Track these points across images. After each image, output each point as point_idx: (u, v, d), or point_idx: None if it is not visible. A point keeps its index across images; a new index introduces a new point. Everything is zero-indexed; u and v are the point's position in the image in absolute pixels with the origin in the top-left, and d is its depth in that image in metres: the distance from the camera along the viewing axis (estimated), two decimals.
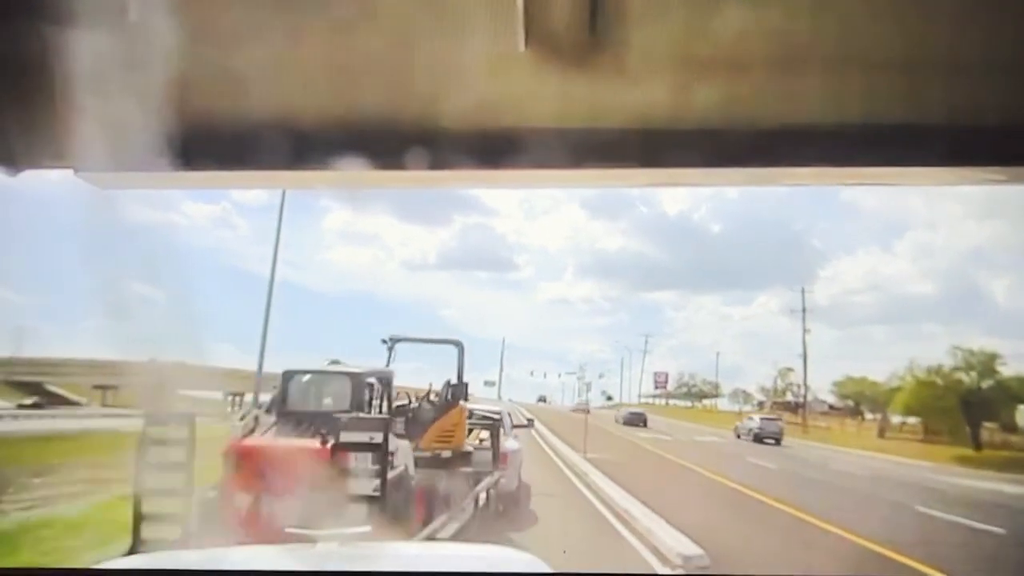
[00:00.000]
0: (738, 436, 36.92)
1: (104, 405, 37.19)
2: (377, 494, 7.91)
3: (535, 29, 1.16)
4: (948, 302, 57.03)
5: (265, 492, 8.03)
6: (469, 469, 11.42)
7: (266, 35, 1.24)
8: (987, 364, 36.66)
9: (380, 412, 10.10)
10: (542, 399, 59.34)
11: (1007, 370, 36.45)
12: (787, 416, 47.27)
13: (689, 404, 60.02)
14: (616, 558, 11.87)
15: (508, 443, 13.71)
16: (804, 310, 47.53)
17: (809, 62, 1.21)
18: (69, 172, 1.30)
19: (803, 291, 47.88)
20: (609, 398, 61.47)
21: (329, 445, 8.32)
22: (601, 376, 64.82)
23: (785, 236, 70.43)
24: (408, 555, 4.17)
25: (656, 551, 11.90)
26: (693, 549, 11.49)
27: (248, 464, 8.40)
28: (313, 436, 8.75)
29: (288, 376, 10.17)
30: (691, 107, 1.24)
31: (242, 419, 9.56)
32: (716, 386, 59.15)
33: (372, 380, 10.59)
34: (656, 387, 60.40)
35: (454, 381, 12.01)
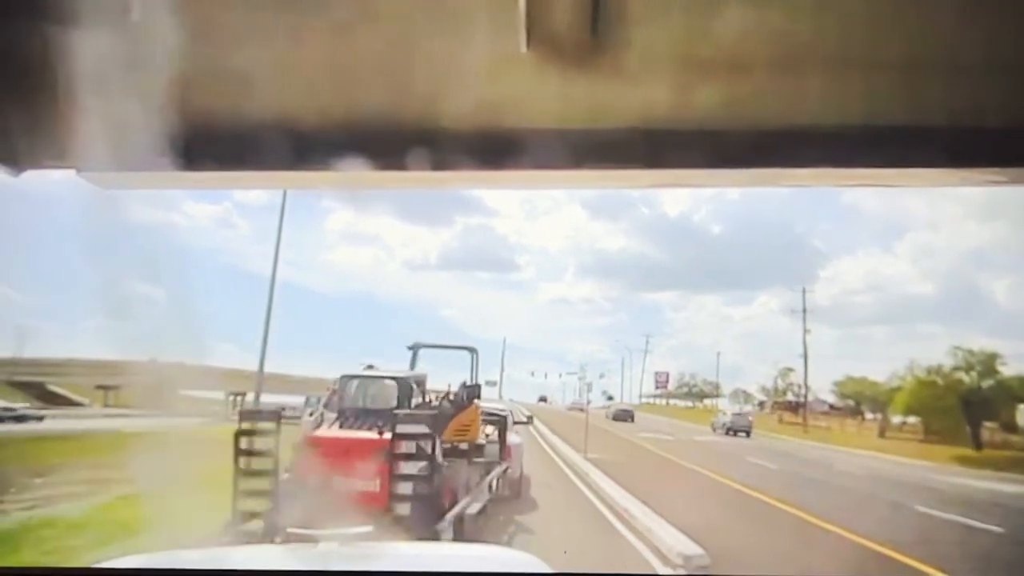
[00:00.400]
0: (714, 430, 39.94)
1: (106, 405, 37.23)
2: (425, 474, 9.65)
3: (537, 30, 1.16)
4: (948, 302, 57.02)
5: (334, 473, 9.64)
6: (482, 459, 12.80)
7: (268, 36, 1.24)
8: (987, 364, 36.67)
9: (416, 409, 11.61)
10: (543, 399, 59.36)
11: (1007, 370, 36.48)
12: (788, 416, 47.46)
13: (690, 404, 60.01)
14: (616, 557, 11.88)
15: (511, 438, 15.31)
16: (805, 310, 47.56)
17: (810, 63, 1.21)
18: (71, 172, 1.30)
19: (804, 291, 47.91)
20: (610, 398, 61.43)
21: (388, 435, 9.93)
22: (602, 376, 64.81)
23: (786, 236, 70.45)
24: (408, 555, 4.17)
25: (656, 551, 11.92)
26: (693, 548, 11.50)
27: (320, 451, 9.96)
28: (369, 429, 10.42)
29: (344, 380, 11.74)
30: (692, 108, 1.24)
31: (311, 415, 11.59)
32: (717, 386, 59.16)
33: (412, 382, 12.09)
34: (657, 387, 60.45)
35: (469, 383, 13.49)
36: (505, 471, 13.91)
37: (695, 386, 60.87)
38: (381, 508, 9.13)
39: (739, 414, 42.00)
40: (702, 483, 21.26)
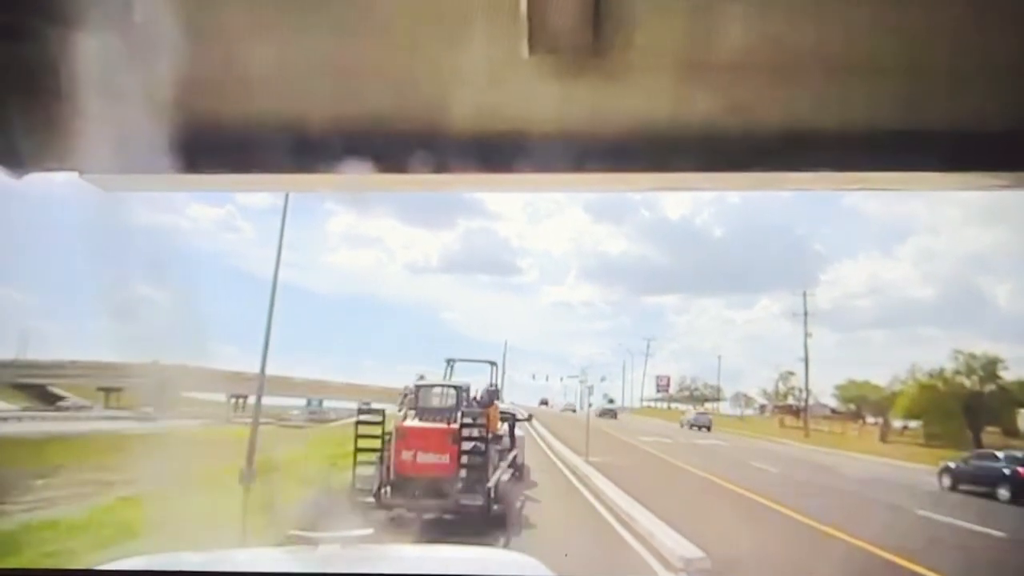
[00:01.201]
0: (682, 426, 46.22)
1: (108, 407, 37.26)
2: (479, 451, 14.09)
3: (538, 34, 1.16)
4: (950, 306, 56.94)
5: (417, 450, 13.90)
6: (499, 446, 16.55)
7: (271, 38, 1.24)
8: (989, 368, 36.69)
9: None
10: (544, 402, 59.18)
11: (1009, 374, 36.52)
12: (789, 420, 47.44)
13: (691, 407, 59.95)
14: (615, 557, 11.88)
15: (517, 431, 19.31)
16: (806, 314, 47.49)
17: (811, 67, 1.21)
18: (74, 174, 1.30)
19: (805, 295, 47.83)
20: (611, 401, 61.45)
21: (454, 425, 14.25)
22: (603, 379, 64.91)
23: (787, 240, 70.37)
24: (410, 557, 4.17)
25: (657, 553, 11.91)
26: (694, 552, 11.49)
27: (408, 436, 14.20)
28: (439, 421, 14.61)
29: (418, 387, 16.00)
30: (693, 112, 1.24)
31: (400, 411, 15.62)
32: (718, 389, 59.10)
33: (464, 390, 16.25)
34: (658, 390, 60.35)
35: (491, 388, 17.89)
36: (514, 456, 17.92)
37: (696, 389, 60.78)
38: (450, 475, 13.60)
39: (701, 413, 50.53)
40: (704, 486, 21.24)
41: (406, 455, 13.76)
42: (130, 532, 10.44)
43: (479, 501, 13.27)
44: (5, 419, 28.99)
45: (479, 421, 14.42)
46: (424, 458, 13.73)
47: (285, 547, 4.21)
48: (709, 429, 44.49)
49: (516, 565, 3.77)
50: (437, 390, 16.00)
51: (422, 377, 16.67)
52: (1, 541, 11.15)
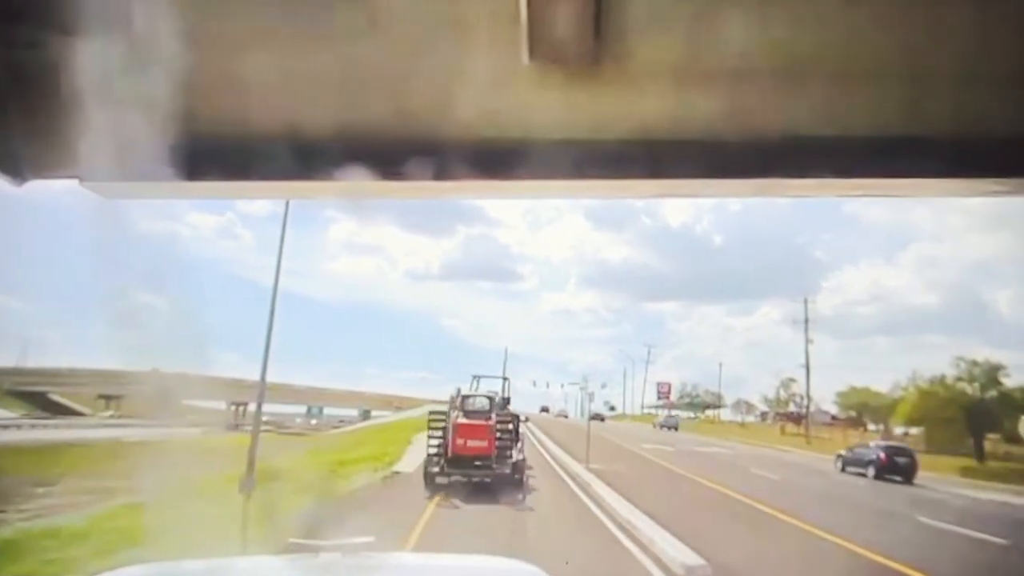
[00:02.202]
0: (654, 426, 53.41)
1: (108, 415, 37.24)
2: (508, 439, 20.79)
3: (539, 41, 1.16)
4: (951, 313, 57.09)
5: (467, 438, 19.94)
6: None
7: (272, 45, 1.24)
8: (990, 375, 36.67)
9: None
10: (544, 409, 59.29)
11: (1010, 381, 36.48)
12: (790, 427, 47.43)
13: (692, 414, 59.95)
14: (615, 563, 11.87)
15: (521, 428, 23.87)
16: (807, 321, 47.67)
17: (813, 73, 1.21)
18: (75, 182, 1.30)
19: (806, 302, 47.98)
20: (612, 408, 61.54)
21: (491, 421, 20.64)
22: (604, 386, 64.86)
23: (788, 247, 70.61)
24: (411, 566, 4.16)
25: (658, 561, 11.88)
26: (695, 559, 11.46)
27: (461, 429, 20.25)
28: (479, 419, 20.71)
29: (464, 396, 22.59)
30: (694, 118, 1.24)
31: (452, 410, 21.67)
32: (719, 396, 59.14)
33: (495, 397, 22.94)
34: (659, 397, 60.42)
35: (504, 396, 24.57)
36: (520, 445, 22.58)
37: (697, 396, 60.84)
38: (489, 453, 19.90)
39: (669, 416, 57.60)
40: (703, 494, 21.26)
41: (459, 441, 20.18)
42: (131, 540, 10.43)
43: (507, 470, 20.11)
44: (5, 427, 28.97)
45: (506, 419, 21.70)
46: (471, 443, 20.14)
47: (286, 556, 4.19)
48: (676, 429, 52.99)
49: (519, 573, 3.75)
50: (477, 398, 22.74)
51: (459, 390, 23.48)
52: (2, 549, 11.13)
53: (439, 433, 20.66)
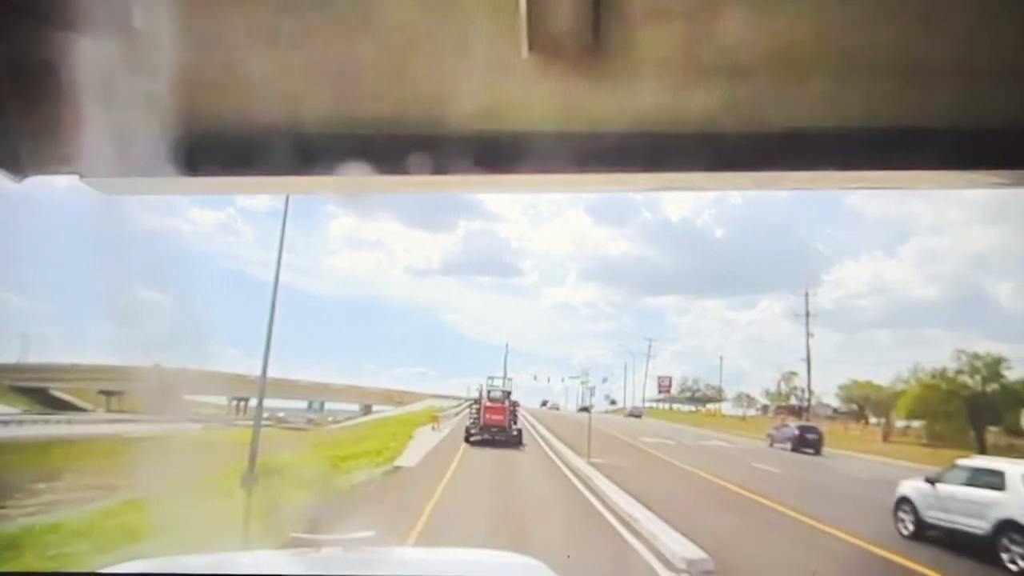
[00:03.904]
0: (625, 416, 56.20)
1: (109, 411, 37.29)
2: (514, 414, 33.46)
3: (538, 34, 1.16)
4: (952, 306, 56.81)
5: (492, 414, 32.21)
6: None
7: (270, 41, 1.24)
8: (992, 368, 36.61)
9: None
10: (545, 403, 59.39)
11: (1012, 374, 36.40)
12: (791, 420, 47.41)
13: (693, 408, 59.94)
14: (616, 557, 11.89)
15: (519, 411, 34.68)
16: (808, 314, 47.48)
17: (812, 65, 1.21)
18: (75, 178, 1.30)
19: (807, 295, 47.83)
20: (612, 402, 61.57)
21: (506, 405, 32.94)
22: (605, 380, 64.81)
23: (788, 240, 70.34)
24: (412, 560, 4.17)
25: (660, 555, 11.90)
26: (697, 553, 11.48)
27: (488, 408, 32.47)
28: (499, 403, 32.85)
29: (489, 389, 34.08)
30: (694, 111, 1.24)
31: (489, 395, 34.17)
32: (720, 390, 59.01)
33: (508, 390, 34.76)
34: (660, 391, 60.28)
35: (506, 389, 34.96)
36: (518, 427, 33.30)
37: (698, 390, 60.70)
38: (504, 424, 31.58)
39: (637, 407, 61.23)
40: (704, 486, 21.27)
41: (487, 416, 31.77)
42: (133, 535, 10.45)
43: (515, 434, 31.53)
44: (7, 423, 29.01)
45: (515, 404, 33.44)
46: (494, 417, 31.71)
47: (288, 550, 4.20)
48: (640, 417, 57.39)
49: (521, 567, 3.76)
50: (496, 391, 33.77)
51: (485, 383, 35.14)
52: (4, 544, 11.15)
53: (475, 411, 33.09)
